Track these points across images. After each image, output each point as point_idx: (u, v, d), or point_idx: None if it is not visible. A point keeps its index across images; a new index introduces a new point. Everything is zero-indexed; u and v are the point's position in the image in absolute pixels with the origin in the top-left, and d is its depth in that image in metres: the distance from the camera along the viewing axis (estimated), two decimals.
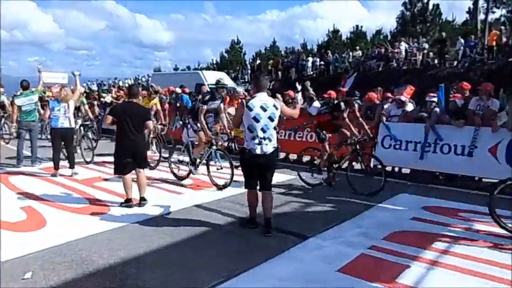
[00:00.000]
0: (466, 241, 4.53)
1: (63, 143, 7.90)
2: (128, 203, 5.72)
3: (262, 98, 4.67)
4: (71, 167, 7.80)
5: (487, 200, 5.34)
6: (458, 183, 7.18)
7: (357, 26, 39.26)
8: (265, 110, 4.62)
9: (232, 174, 6.52)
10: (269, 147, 4.66)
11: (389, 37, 35.73)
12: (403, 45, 22.69)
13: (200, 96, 7.73)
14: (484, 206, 5.55)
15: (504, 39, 19.66)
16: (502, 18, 29.83)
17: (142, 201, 5.78)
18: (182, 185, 7.08)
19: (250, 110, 4.60)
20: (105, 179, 7.44)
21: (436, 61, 21.82)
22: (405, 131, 7.68)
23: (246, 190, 4.92)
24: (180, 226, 4.96)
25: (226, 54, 44.83)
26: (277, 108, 4.70)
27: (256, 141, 4.60)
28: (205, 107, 6.95)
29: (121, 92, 16.77)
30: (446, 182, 7.39)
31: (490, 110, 6.89)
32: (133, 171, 5.76)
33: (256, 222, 4.86)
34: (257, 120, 4.59)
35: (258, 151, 4.62)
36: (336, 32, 39.25)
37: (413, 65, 21.92)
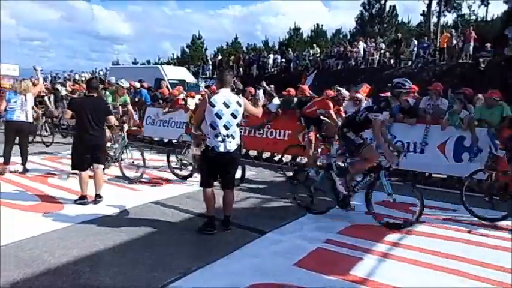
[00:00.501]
0: (416, 234, 4.76)
1: (18, 137, 7.47)
2: (82, 200, 5.55)
3: (225, 94, 4.57)
4: (23, 163, 7.44)
5: (436, 194, 5.66)
6: (410, 178, 7.50)
7: (317, 24, 39.94)
8: (228, 107, 4.51)
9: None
10: (232, 145, 4.56)
11: (348, 36, 36.65)
12: (361, 45, 23.32)
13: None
14: (432, 200, 5.89)
15: (454, 42, 20.66)
16: (452, 22, 31.40)
17: (97, 198, 5.63)
18: (139, 182, 6.96)
19: (213, 106, 4.48)
20: (59, 176, 7.17)
21: (392, 61, 22.59)
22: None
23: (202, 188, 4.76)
24: (136, 223, 4.87)
25: (187, 49, 44.31)
26: (240, 105, 4.62)
27: (219, 138, 4.48)
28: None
29: (77, 85, 16.21)
30: (399, 178, 7.68)
31: (440, 109, 7.24)
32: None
33: (214, 225, 4.62)
34: (219, 117, 4.47)
35: (222, 149, 4.49)
36: (297, 29, 39.75)
37: (370, 64, 22.58)
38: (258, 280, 3.51)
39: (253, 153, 9.82)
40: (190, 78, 20.93)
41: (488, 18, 32.07)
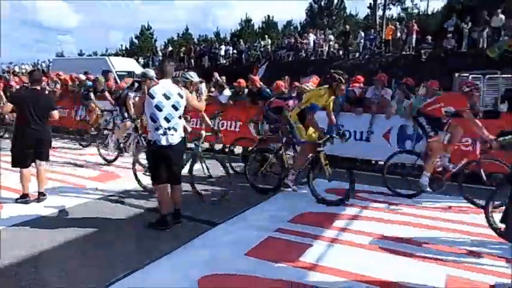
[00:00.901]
0: (362, 219, 4.97)
1: None
2: (24, 198, 5.29)
3: (165, 86, 4.41)
4: None
5: (382, 180, 5.94)
6: (357, 166, 7.79)
7: (269, 16, 40.13)
8: (168, 98, 4.37)
9: None
10: (175, 138, 4.44)
11: (299, 28, 37.15)
12: (312, 37, 23.73)
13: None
14: (379, 186, 6.16)
15: (398, 34, 21.53)
16: (397, 15, 32.70)
17: (41, 196, 5.38)
18: (86, 178, 6.71)
19: (152, 97, 4.32)
20: None
21: (340, 52, 23.18)
22: None
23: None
24: (83, 220, 4.72)
25: (136, 40, 43.05)
26: (182, 97, 4.49)
27: (161, 131, 4.35)
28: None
29: (17, 78, 15.29)
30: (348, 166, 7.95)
31: (384, 99, 7.54)
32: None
33: (167, 222, 4.51)
34: (159, 109, 4.33)
35: (164, 142, 4.36)
36: (248, 21, 39.75)
37: (320, 55, 23.07)
38: (209, 271, 3.52)
39: (205, 145, 9.75)
40: (139, 70, 20.34)
41: (429, 12, 33.75)
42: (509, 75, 11.30)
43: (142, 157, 5.85)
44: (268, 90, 8.56)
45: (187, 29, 44.23)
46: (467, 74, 11.85)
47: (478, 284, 3.37)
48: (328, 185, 5.98)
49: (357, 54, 22.58)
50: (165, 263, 3.69)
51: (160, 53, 30.15)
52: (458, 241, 4.26)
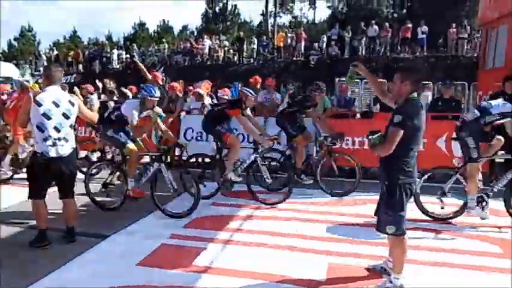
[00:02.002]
0: (257, 218, 5.15)
1: None
2: None
3: (54, 92, 4.10)
4: None
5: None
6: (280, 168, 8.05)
7: (164, 20, 39.46)
8: (57, 106, 4.05)
9: None
10: (66, 149, 4.12)
11: (195, 33, 37.15)
12: (207, 42, 23.89)
13: None
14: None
15: (289, 41, 22.77)
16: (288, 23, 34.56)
17: None
18: None
19: (39, 105, 3.97)
20: None
21: (235, 58, 23.72)
22: None
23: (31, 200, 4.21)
24: None
25: (15, 43, 39.04)
26: (73, 105, 4.19)
27: (49, 142, 4.00)
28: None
29: None
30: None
31: (274, 102, 7.93)
32: None
33: (46, 238, 4.17)
34: (48, 118, 4.00)
35: (53, 153, 4.03)
36: (142, 24, 38.61)
37: (216, 60, 23.35)
38: (100, 285, 3.36)
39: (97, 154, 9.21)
40: (16, 75, 18.49)
41: (317, 21, 36.32)
42: (381, 80, 12.66)
43: None
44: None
45: (75, 31, 41.40)
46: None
47: (355, 268, 3.73)
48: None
49: (252, 60, 23.31)
50: (47, 283, 3.43)
51: (44, 57, 27.75)
52: (338, 231, 4.66)
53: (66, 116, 4.12)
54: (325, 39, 21.74)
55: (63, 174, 4.18)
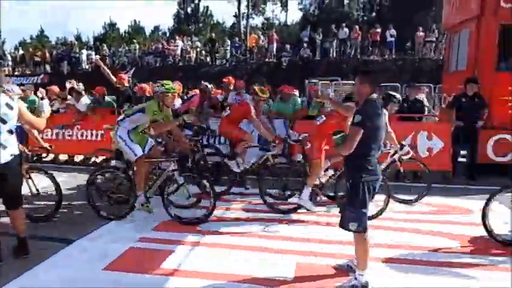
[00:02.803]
0: (224, 220, 5.16)
1: None
2: None
3: None
4: None
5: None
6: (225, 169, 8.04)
7: (135, 20, 38.90)
8: None
9: None
10: (4, 156, 3.76)
11: (167, 34, 36.78)
12: (179, 43, 23.70)
13: None
14: (241, 188, 6.47)
15: (261, 43, 22.87)
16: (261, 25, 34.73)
17: None
18: None
19: None
20: None
21: (208, 59, 23.64)
22: None
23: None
24: None
25: None
26: (11, 108, 3.81)
27: None
28: None
29: None
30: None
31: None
32: None
33: None
34: None
35: None
36: (112, 25, 37.94)
37: (188, 61, 23.20)
38: None
39: (64, 157, 9.01)
40: None
41: (288, 23, 36.65)
42: (349, 81, 12.97)
43: None
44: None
45: (42, 31, 40.25)
46: (316, 80, 13.21)
47: (323, 267, 3.80)
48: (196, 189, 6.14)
49: (224, 61, 23.29)
50: None
51: (9, 57, 26.85)
52: (307, 231, 4.73)
53: (2, 121, 3.76)
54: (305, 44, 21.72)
55: (4, 182, 3.84)
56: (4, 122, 3.77)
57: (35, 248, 4.12)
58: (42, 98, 9.12)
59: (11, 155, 3.83)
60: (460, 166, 7.60)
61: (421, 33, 20.03)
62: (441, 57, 17.34)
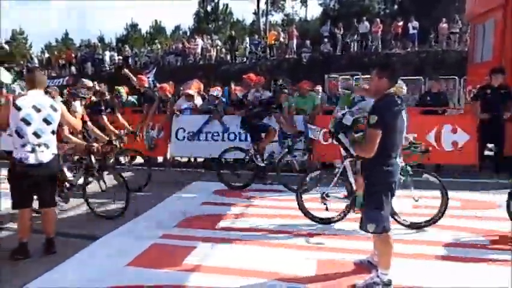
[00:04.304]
0: (246, 216, 5.18)
1: None
2: None
3: (35, 97, 3.98)
4: None
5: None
6: (245, 166, 8.08)
7: (156, 20, 39.34)
8: (39, 111, 3.91)
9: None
10: (46, 155, 3.96)
11: (188, 33, 37.07)
12: (199, 42, 23.87)
13: None
14: (262, 185, 6.49)
15: (281, 39, 22.78)
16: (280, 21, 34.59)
17: None
18: None
19: (19, 109, 3.85)
20: None
21: (228, 57, 23.71)
22: (196, 123, 8.17)
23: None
24: None
25: (6, 46, 38.74)
26: (55, 110, 4.04)
27: (28, 148, 3.86)
28: None
29: None
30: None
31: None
32: None
33: (27, 251, 4.02)
34: (28, 123, 3.86)
35: (32, 160, 3.88)
36: (134, 26, 38.50)
37: (208, 60, 23.33)
38: (88, 286, 3.38)
39: None
40: (7, 78, 18.37)
41: (308, 18, 36.33)
42: (369, 76, 12.79)
43: None
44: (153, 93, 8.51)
45: (67, 34, 41.21)
46: (337, 75, 13.07)
47: (343, 263, 3.77)
48: (216, 186, 6.18)
49: (244, 59, 23.31)
50: (42, 283, 3.46)
51: (36, 60, 27.66)
52: (329, 227, 4.70)
53: (47, 122, 3.99)
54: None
55: (42, 182, 4.02)
56: (49, 123, 4.00)
57: (61, 244, 4.25)
58: (74, 99, 9.29)
59: (52, 154, 4.05)
60: (487, 160, 7.39)
61: (445, 25, 19.54)
62: (465, 49, 16.90)
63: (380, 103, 3.19)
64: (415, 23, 19.56)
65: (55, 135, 4.13)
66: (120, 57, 25.36)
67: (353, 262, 3.77)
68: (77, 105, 7.08)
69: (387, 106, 3.13)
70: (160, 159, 8.74)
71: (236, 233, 4.57)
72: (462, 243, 4.18)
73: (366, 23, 20.57)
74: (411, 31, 19.77)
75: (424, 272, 3.57)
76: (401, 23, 20.04)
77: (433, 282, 3.40)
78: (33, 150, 3.90)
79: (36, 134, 3.93)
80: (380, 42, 20.53)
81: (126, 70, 9.93)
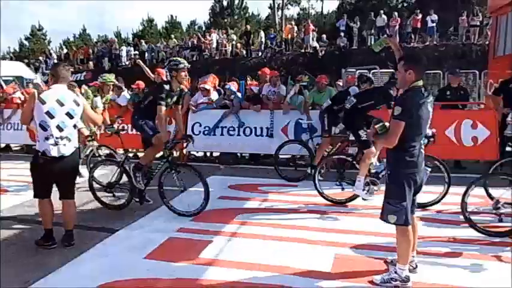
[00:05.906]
0: (263, 211, 5.18)
1: None
2: None
3: (59, 91, 4.07)
4: None
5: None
6: (260, 161, 8.09)
7: (172, 15, 39.43)
8: (62, 105, 4.02)
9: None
10: (68, 148, 4.07)
11: (204, 28, 37.07)
12: (214, 36, 23.87)
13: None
14: (278, 179, 6.47)
15: (297, 33, 22.61)
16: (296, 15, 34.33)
17: None
18: None
19: (43, 103, 3.95)
20: None
21: (244, 51, 23.66)
22: (212, 118, 8.18)
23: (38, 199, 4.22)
24: None
25: (26, 42, 39.46)
26: (78, 105, 4.15)
27: (51, 141, 3.96)
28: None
29: None
30: (249, 162, 8.26)
31: (280, 95, 7.92)
32: None
33: (53, 238, 4.16)
34: (51, 116, 3.96)
35: (54, 153, 3.98)
36: (150, 21, 38.67)
37: (224, 55, 23.33)
38: (107, 279, 3.43)
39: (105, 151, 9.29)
40: (29, 74, 18.72)
41: (325, 12, 35.96)
42: (388, 70, 12.62)
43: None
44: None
45: (84, 29, 41.65)
46: (354, 70, 12.94)
47: (361, 259, 3.73)
48: (231, 181, 6.17)
49: (260, 53, 23.23)
50: (59, 277, 3.51)
51: (55, 56, 28.06)
52: (346, 222, 4.67)
53: (70, 116, 4.10)
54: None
55: (64, 174, 4.14)
56: (71, 117, 4.12)
57: (81, 237, 4.33)
58: (95, 96, 9.39)
59: (74, 147, 4.18)
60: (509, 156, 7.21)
61: (465, 17, 19.10)
62: (486, 42, 16.50)
63: (405, 95, 3.21)
64: (434, 16, 19.17)
65: (76, 129, 4.27)
66: (137, 53, 25.54)
67: (371, 257, 3.73)
68: (98, 100, 7.19)
69: (412, 98, 3.14)
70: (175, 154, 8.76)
71: (252, 227, 4.58)
72: (480, 241, 4.09)
73: (384, 17, 20.25)
74: (430, 24, 19.40)
75: (441, 270, 3.51)
76: (419, 17, 19.67)
77: (450, 279, 3.35)
78: (56, 143, 4.01)
79: (59, 127, 4.04)
80: (398, 36, 20.16)
81: (139, 61, 10.00)
